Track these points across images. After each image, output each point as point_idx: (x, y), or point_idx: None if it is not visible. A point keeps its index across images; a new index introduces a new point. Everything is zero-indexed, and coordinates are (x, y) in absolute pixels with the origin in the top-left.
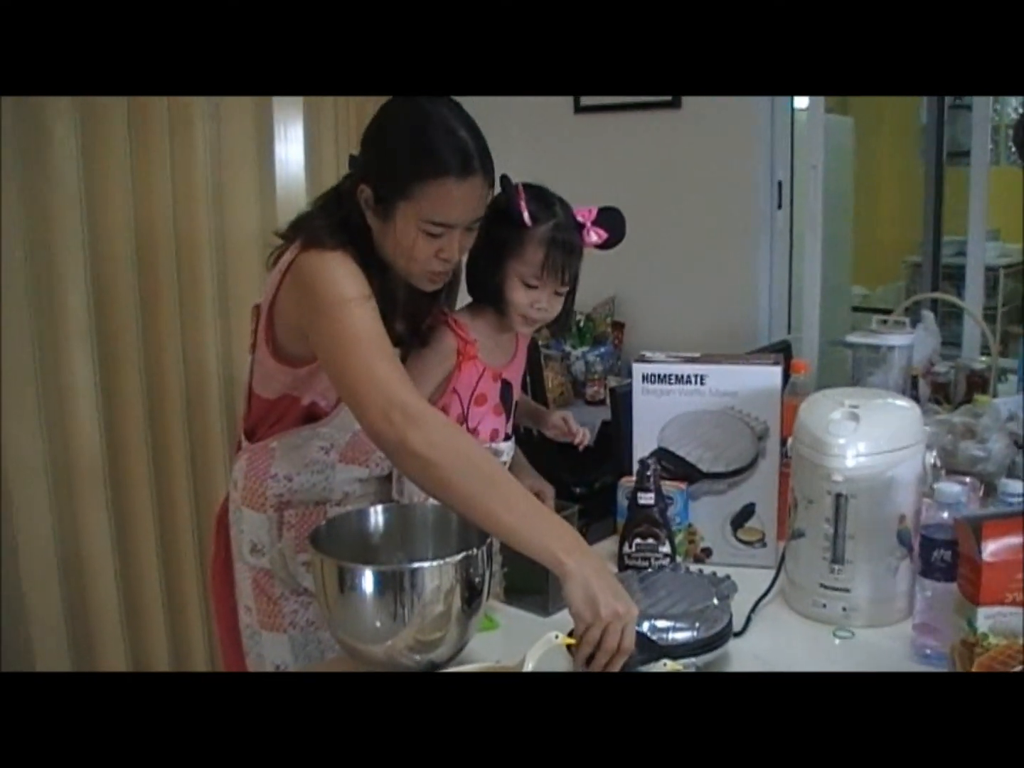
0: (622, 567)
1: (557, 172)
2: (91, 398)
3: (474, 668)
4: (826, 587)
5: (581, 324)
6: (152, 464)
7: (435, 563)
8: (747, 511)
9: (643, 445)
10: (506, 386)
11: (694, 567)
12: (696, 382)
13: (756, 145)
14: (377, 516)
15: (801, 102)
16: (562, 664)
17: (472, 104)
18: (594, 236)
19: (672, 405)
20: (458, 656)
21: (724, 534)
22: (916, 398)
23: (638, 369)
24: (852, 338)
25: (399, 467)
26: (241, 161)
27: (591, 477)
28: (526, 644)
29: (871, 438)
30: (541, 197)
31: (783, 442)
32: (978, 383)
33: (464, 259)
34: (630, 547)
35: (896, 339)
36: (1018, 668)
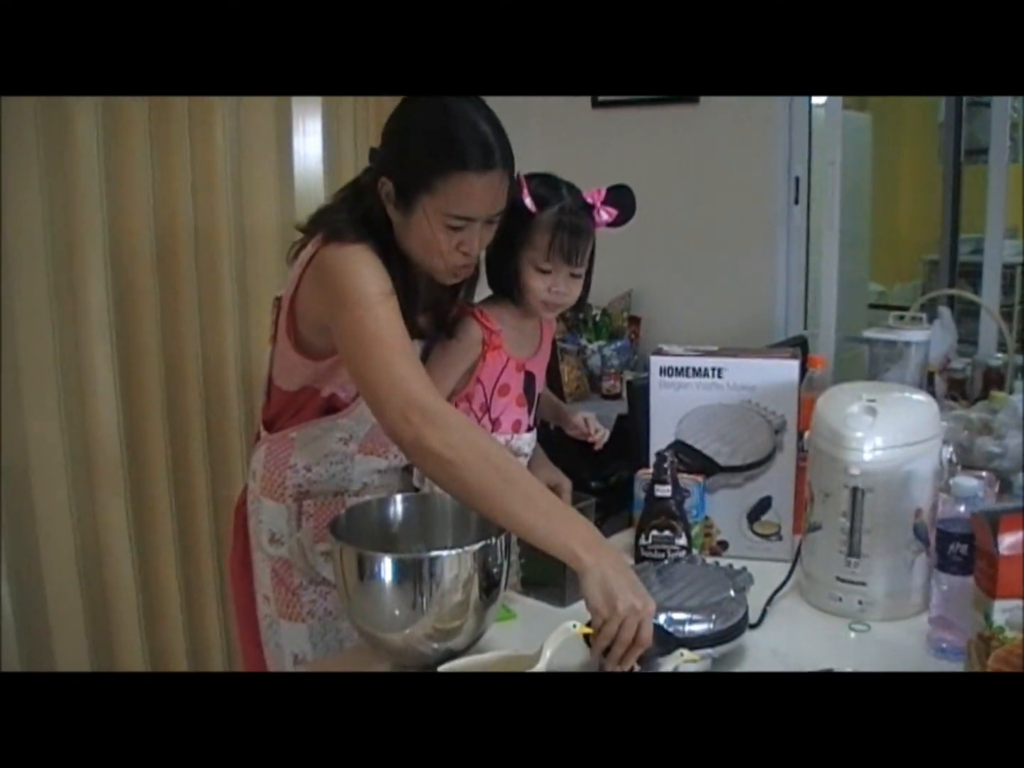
0: (638, 559)
1: (575, 166)
2: (110, 391)
3: (493, 656)
4: (842, 580)
5: (597, 318)
6: (170, 456)
7: (454, 552)
8: (763, 505)
9: (660, 438)
10: (529, 377)
11: (710, 560)
12: (714, 375)
13: (774, 141)
14: (397, 506)
15: (819, 98)
16: (579, 654)
17: (491, 99)
18: (604, 215)
19: (689, 398)
20: (475, 645)
21: (740, 527)
22: (932, 394)
23: (656, 362)
24: (869, 333)
25: (417, 465)
26: (260, 154)
27: (607, 471)
28: (543, 635)
29: (888, 432)
30: (547, 183)
31: (800, 436)
32: (995, 380)
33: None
34: (647, 539)
35: (913, 335)
36: None
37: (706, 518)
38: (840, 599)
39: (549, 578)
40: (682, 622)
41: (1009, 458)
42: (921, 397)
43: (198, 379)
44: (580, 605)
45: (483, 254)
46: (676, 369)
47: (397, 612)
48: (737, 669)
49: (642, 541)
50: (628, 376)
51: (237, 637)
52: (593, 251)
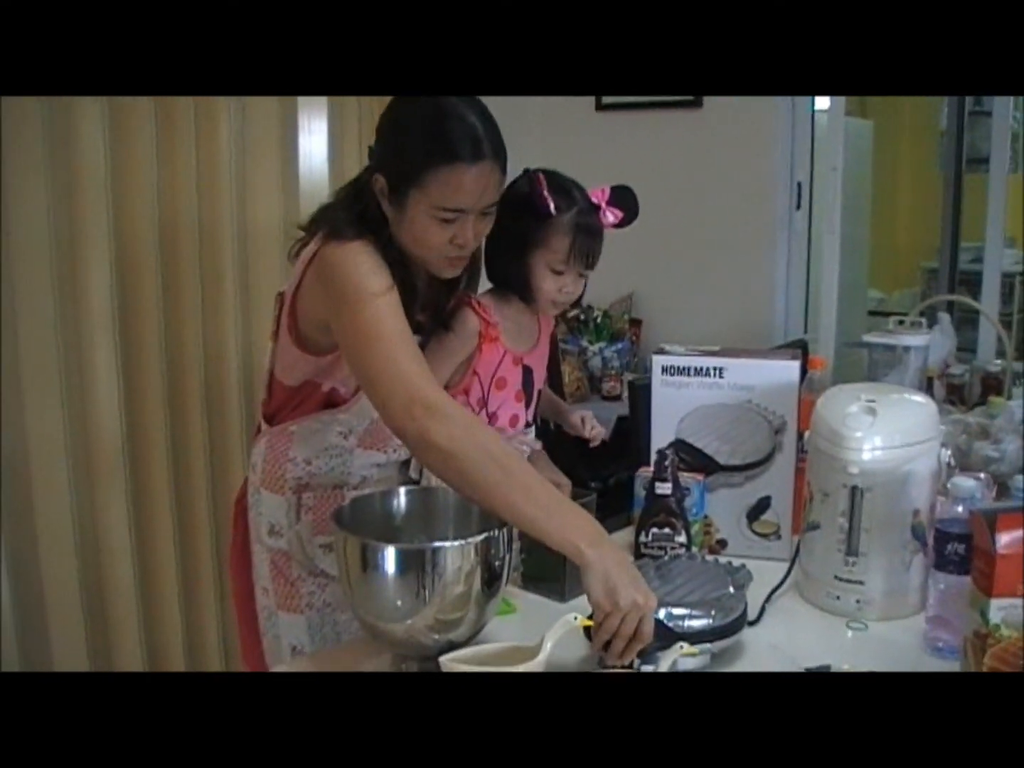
0: (638, 555)
1: (578, 169)
2: (112, 387)
3: (494, 647)
4: (840, 579)
5: (599, 320)
6: (171, 451)
7: (457, 543)
8: (763, 504)
9: (661, 436)
10: (527, 372)
11: (709, 558)
12: (715, 375)
13: (776, 146)
14: (399, 498)
15: (822, 104)
16: (580, 647)
17: (494, 102)
18: (610, 217)
19: (691, 397)
20: (476, 637)
21: (740, 526)
22: (931, 398)
23: (658, 361)
24: (868, 338)
25: (420, 460)
26: (265, 153)
27: (606, 472)
28: (543, 629)
29: (887, 432)
30: (560, 184)
31: (800, 437)
32: (993, 385)
33: (483, 246)
34: (647, 536)
35: (912, 340)
36: None
37: (706, 516)
38: (838, 598)
39: (549, 573)
40: (682, 617)
41: (1007, 462)
42: (920, 398)
43: (199, 374)
44: (579, 600)
45: (484, 248)
46: (678, 368)
47: (399, 603)
48: (736, 665)
49: (642, 538)
50: (629, 377)
51: (236, 630)
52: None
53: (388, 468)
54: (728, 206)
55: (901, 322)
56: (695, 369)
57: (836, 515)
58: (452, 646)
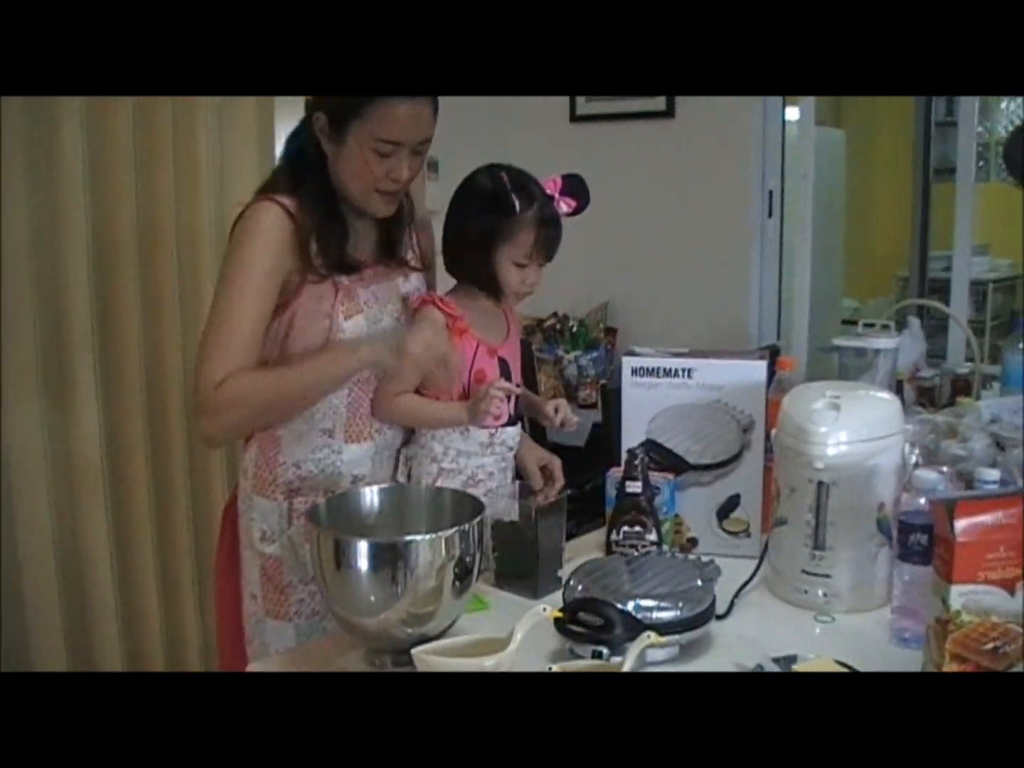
0: (609, 553)
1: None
2: (92, 398)
3: (465, 640)
4: (808, 573)
5: (575, 329)
6: (151, 462)
7: (428, 536)
8: (732, 502)
9: (632, 437)
10: (504, 364)
11: (679, 555)
12: (684, 376)
13: (748, 155)
14: (373, 496)
15: (792, 113)
16: (550, 638)
17: (472, 111)
18: (564, 207)
19: (660, 398)
20: (448, 632)
21: (710, 524)
22: (902, 402)
23: (627, 363)
24: (838, 341)
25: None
26: (243, 158)
27: (582, 478)
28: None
29: (852, 427)
30: (520, 181)
31: (768, 436)
32: (962, 387)
33: (443, 241)
34: (618, 534)
35: (881, 343)
36: (990, 646)
37: (676, 515)
38: (806, 591)
39: (521, 571)
40: (650, 609)
41: (974, 461)
42: (884, 395)
43: (180, 385)
44: (553, 596)
45: (445, 244)
46: (647, 370)
47: (372, 597)
48: (704, 656)
49: (613, 536)
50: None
51: (217, 636)
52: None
53: (379, 470)
54: (701, 215)
55: (871, 325)
56: (664, 370)
57: (803, 510)
58: (425, 639)
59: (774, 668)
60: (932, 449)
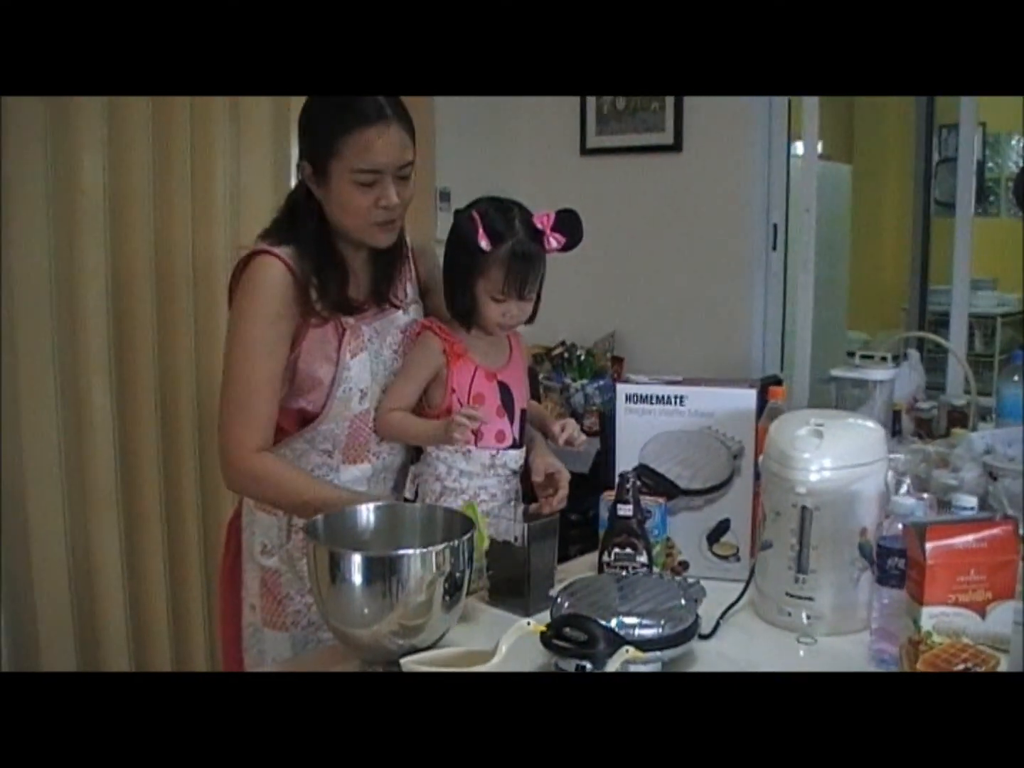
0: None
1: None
2: (107, 412)
3: (452, 651)
4: (791, 596)
5: (582, 358)
6: (163, 477)
7: (419, 551)
8: (722, 527)
9: (625, 461)
10: (505, 388)
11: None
12: (676, 403)
13: (753, 188)
14: (369, 514)
15: (797, 148)
16: (538, 654)
17: (483, 141)
18: (553, 242)
19: (653, 424)
20: (439, 644)
21: (700, 548)
22: (899, 432)
23: (621, 390)
24: (836, 372)
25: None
26: (258, 184)
27: (586, 504)
28: None
29: (835, 454)
30: (499, 215)
31: (756, 463)
32: (958, 419)
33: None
34: (609, 556)
35: (878, 374)
36: (960, 666)
37: (668, 538)
38: (789, 613)
39: (514, 589)
40: (632, 626)
41: (965, 490)
42: (868, 423)
43: (192, 403)
44: (543, 615)
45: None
46: (640, 396)
47: (365, 609)
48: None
49: (605, 558)
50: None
51: (220, 647)
52: (543, 274)
53: (376, 483)
54: (706, 247)
55: (869, 357)
56: (657, 397)
57: (787, 534)
58: (415, 651)
59: None
60: (924, 478)
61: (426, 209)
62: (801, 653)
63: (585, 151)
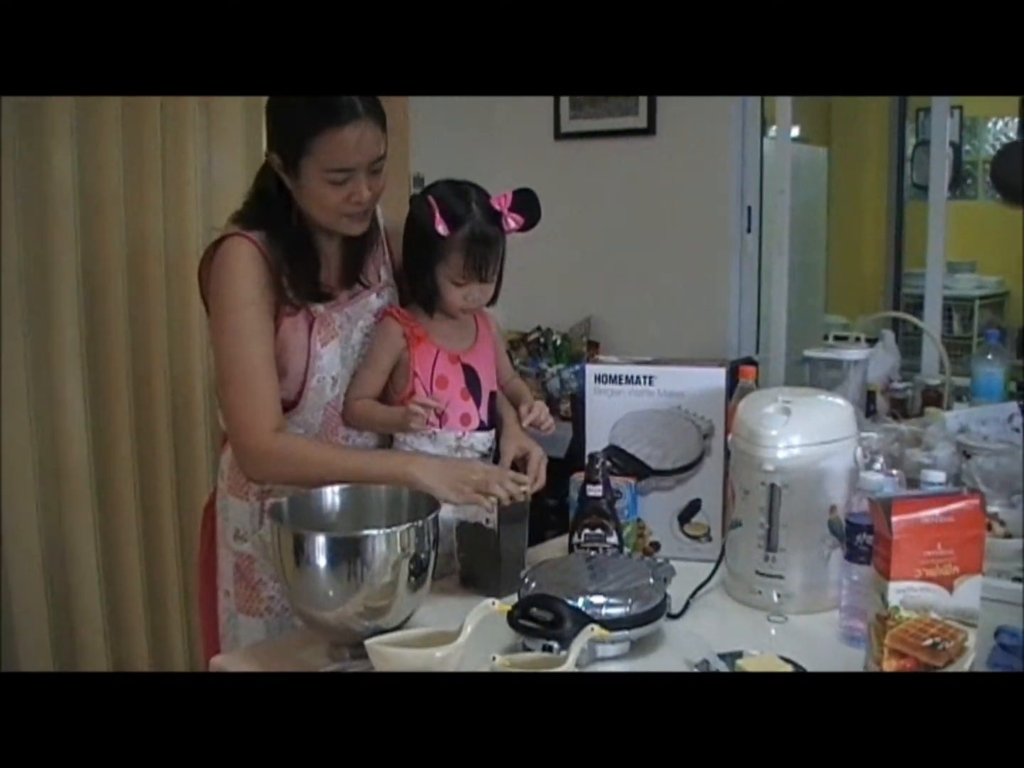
0: None
1: (537, 195)
2: (79, 400)
3: (416, 632)
4: (761, 574)
5: (558, 343)
6: (137, 465)
7: (383, 531)
8: (693, 507)
9: (595, 442)
10: (470, 371)
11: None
12: (645, 383)
13: (727, 171)
14: (334, 496)
15: (773, 130)
16: (505, 634)
17: (458, 127)
18: (512, 223)
19: (623, 404)
20: (406, 625)
21: (672, 529)
22: (874, 412)
23: (590, 370)
24: (809, 353)
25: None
26: (231, 171)
27: (563, 490)
28: None
29: (802, 431)
30: (456, 199)
31: (727, 443)
32: (933, 399)
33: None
34: (579, 537)
35: (851, 354)
36: (928, 642)
37: (639, 520)
38: (760, 592)
39: (485, 572)
40: (599, 605)
41: (939, 468)
42: (836, 400)
43: (166, 388)
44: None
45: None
46: (609, 377)
47: (331, 591)
48: (654, 652)
49: (575, 539)
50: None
51: (200, 634)
52: (504, 254)
53: None
54: (681, 230)
55: (843, 338)
56: (626, 377)
57: (756, 512)
58: (381, 632)
59: (720, 663)
60: (896, 457)
61: (401, 195)
62: (772, 632)
63: (559, 135)
